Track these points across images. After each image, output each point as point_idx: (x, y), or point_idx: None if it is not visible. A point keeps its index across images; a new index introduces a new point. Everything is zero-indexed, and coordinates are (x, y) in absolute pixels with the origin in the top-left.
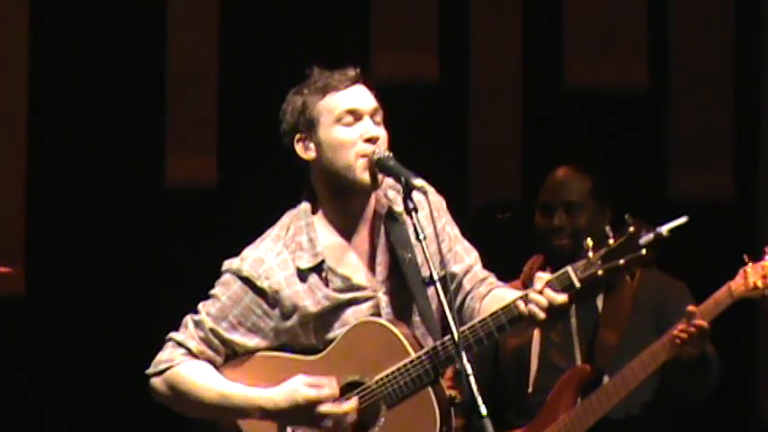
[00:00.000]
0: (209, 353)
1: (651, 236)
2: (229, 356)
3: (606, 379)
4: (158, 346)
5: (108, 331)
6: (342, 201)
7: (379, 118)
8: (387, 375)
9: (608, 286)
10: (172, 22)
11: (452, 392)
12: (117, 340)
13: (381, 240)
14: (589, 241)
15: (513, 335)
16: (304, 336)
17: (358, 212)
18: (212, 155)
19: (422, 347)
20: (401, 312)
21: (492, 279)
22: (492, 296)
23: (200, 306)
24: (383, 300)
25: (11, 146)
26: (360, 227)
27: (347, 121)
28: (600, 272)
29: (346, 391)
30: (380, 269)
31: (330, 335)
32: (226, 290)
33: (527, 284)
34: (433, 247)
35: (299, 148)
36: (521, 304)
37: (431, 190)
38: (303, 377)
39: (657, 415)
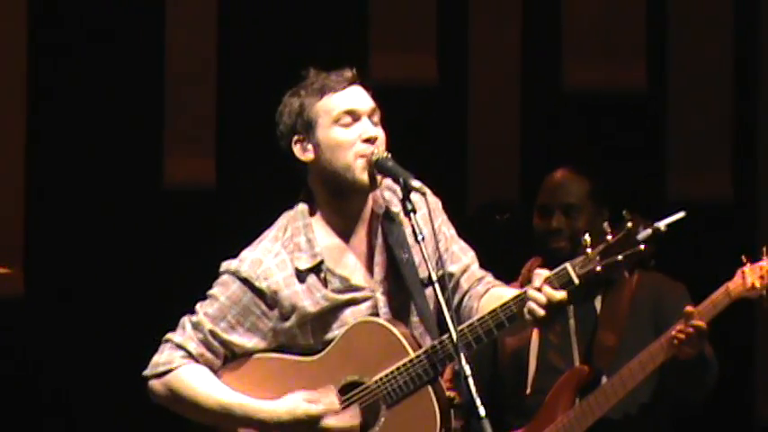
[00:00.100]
0: (209, 355)
1: (649, 231)
2: (228, 358)
3: (604, 380)
4: (157, 347)
5: (107, 332)
6: (340, 201)
7: (376, 118)
8: (386, 375)
9: (606, 287)
10: (170, 23)
11: (451, 394)
12: (116, 341)
13: (379, 241)
14: (587, 238)
15: (511, 335)
16: (302, 336)
17: (356, 213)
18: (211, 155)
19: (420, 347)
20: (399, 312)
21: (489, 278)
22: (490, 295)
23: (198, 307)
24: (381, 300)
25: (9, 146)
26: (357, 227)
27: (345, 121)
28: (598, 268)
29: (346, 390)
30: (378, 269)
31: (329, 335)
32: (224, 290)
33: (525, 286)
34: (431, 248)
35: (296, 149)
36: (519, 302)
37: (428, 191)
38: (303, 392)
39: (656, 415)
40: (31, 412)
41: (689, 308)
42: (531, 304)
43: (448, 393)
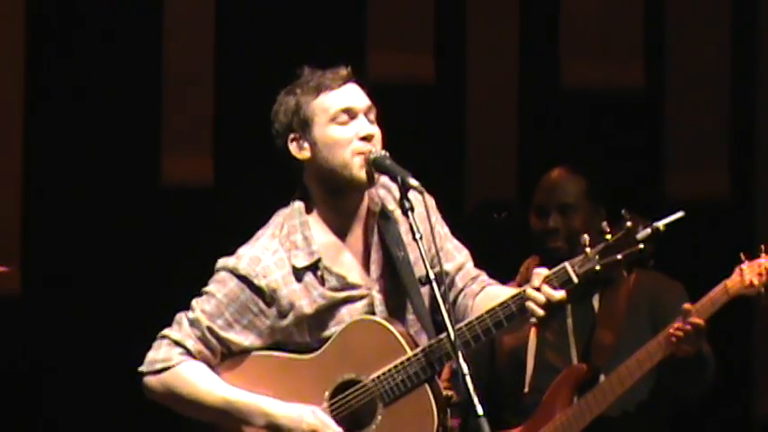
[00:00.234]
0: (206, 352)
1: (648, 231)
2: (224, 355)
3: (602, 378)
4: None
5: (104, 330)
6: (336, 199)
7: (372, 116)
8: (383, 373)
9: (604, 286)
10: (168, 22)
11: (449, 392)
12: (113, 339)
13: (375, 239)
14: (586, 237)
15: (509, 334)
16: (298, 334)
17: (352, 211)
18: (209, 154)
19: (417, 345)
20: (395, 310)
21: (484, 277)
22: (485, 294)
23: (194, 303)
24: (377, 298)
25: (7, 144)
26: (354, 225)
27: (342, 119)
28: (597, 267)
29: (342, 389)
30: (374, 267)
31: (325, 333)
32: (222, 287)
33: (523, 285)
34: (429, 246)
35: (292, 147)
36: (518, 301)
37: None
38: (317, 409)
39: (654, 413)
40: (29, 410)
41: (687, 305)
42: (531, 304)
43: (445, 392)
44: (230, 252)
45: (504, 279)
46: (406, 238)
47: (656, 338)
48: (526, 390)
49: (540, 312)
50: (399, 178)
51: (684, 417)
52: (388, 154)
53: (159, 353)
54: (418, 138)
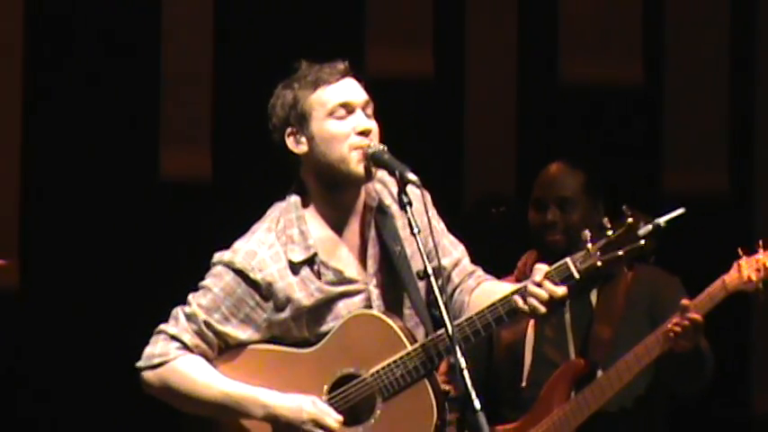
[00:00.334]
0: (204, 346)
1: (650, 227)
2: (221, 349)
3: (600, 373)
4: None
5: (103, 324)
6: (333, 194)
7: (370, 110)
8: (382, 368)
9: (603, 281)
10: (167, 19)
11: (447, 387)
12: (112, 333)
13: (372, 233)
14: (587, 233)
15: (506, 329)
16: (296, 329)
17: (349, 206)
18: (207, 150)
19: (415, 340)
20: (392, 305)
21: (480, 272)
22: (481, 289)
23: (191, 298)
24: (374, 293)
25: (6, 140)
26: (350, 220)
27: (340, 114)
28: (599, 263)
29: (341, 383)
30: (371, 262)
31: (323, 328)
32: (218, 281)
33: (521, 280)
34: (427, 241)
35: (290, 142)
36: (519, 298)
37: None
38: (317, 398)
39: (651, 408)
40: (27, 403)
41: (685, 301)
42: (533, 300)
43: (443, 386)
44: (227, 246)
45: (501, 274)
46: (403, 232)
47: (654, 334)
48: (524, 384)
49: (543, 309)
50: (398, 173)
51: (682, 412)
52: (386, 148)
53: (156, 348)
54: (417, 133)
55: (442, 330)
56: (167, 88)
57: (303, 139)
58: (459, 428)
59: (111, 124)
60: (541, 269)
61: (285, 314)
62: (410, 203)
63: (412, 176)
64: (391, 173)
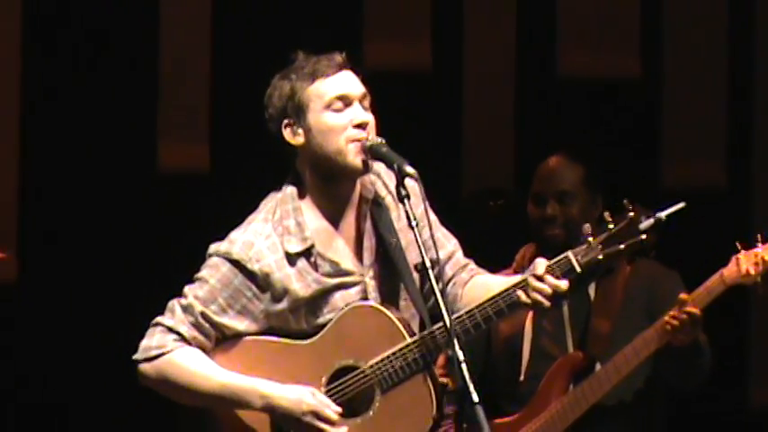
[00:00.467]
0: (201, 338)
1: (651, 221)
2: (219, 340)
3: (598, 366)
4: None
5: (101, 317)
6: (329, 186)
7: (367, 103)
8: (382, 359)
9: (602, 275)
10: (165, 8)
11: (445, 380)
12: (110, 326)
13: (367, 225)
14: (588, 226)
15: (505, 322)
16: (294, 320)
17: (345, 197)
18: (205, 141)
19: (413, 332)
20: (388, 296)
21: (472, 265)
22: (474, 282)
23: (187, 290)
24: (370, 284)
25: (3, 132)
26: (346, 212)
27: (337, 106)
28: (600, 256)
29: (340, 375)
30: (367, 254)
31: (320, 320)
32: (214, 272)
33: (519, 273)
34: (426, 233)
35: (286, 133)
36: (522, 291)
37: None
38: (316, 390)
39: (650, 402)
40: (25, 396)
41: (683, 294)
42: (536, 295)
43: (441, 379)
44: (223, 237)
45: (499, 267)
46: (398, 224)
47: (652, 327)
48: (522, 378)
49: (547, 303)
50: (396, 166)
51: (680, 406)
52: (384, 141)
53: (153, 340)
54: (415, 127)
55: (442, 323)
56: (165, 81)
57: (300, 131)
58: (458, 421)
59: (109, 117)
60: (542, 262)
61: (282, 305)
62: (408, 196)
63: (410, 170)
64: (389, 166)
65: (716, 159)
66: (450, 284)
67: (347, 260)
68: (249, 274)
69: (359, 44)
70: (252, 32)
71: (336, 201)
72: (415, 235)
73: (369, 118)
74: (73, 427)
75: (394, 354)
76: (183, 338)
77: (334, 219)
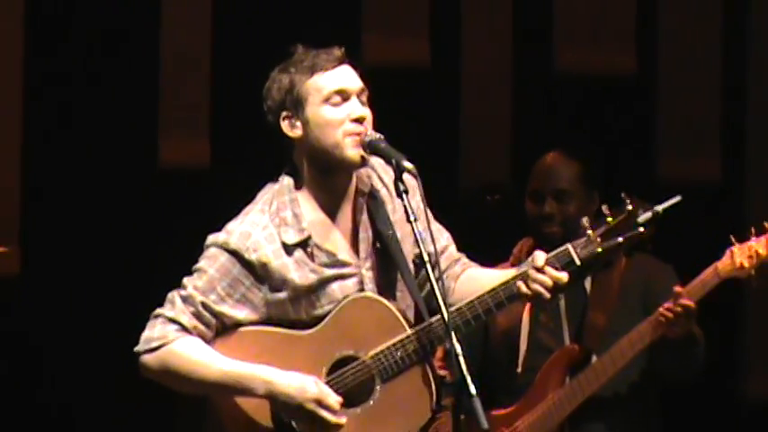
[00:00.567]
0: (202, 327)
1: (649, 214)
2: (219, 330)
3: (594, 359)
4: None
5: (103, 310)
6: (326, 178)
7: (364, 98)
8: (382, 350)
9: (599, 268)
10: (166, 4)
11: (442, 372)
12: (112, 319)
13: (363, 218)
14: (586, 219)
15: (502, 315)
16: (293, 311)
17: (341, 190)
18: (206, 136)
19: (411, 323)
20: (384, 288)
21: (465, 259)
22: (467, 275)
23: (186, 281)
24: (367, 276)
25: (6, 125)
26: (343, 204)
27: (335, 101)
28: (599, 249)
29: (340, 365)
30: (363, 246)
31: (318, 311)
32: (213, 263)
33: (517, 266)
34: (423, 227)
35: (284, 125)
36: (522, 283)
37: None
38: (317, 379)
39: (645, 394)
40: (28, 389)
41: (678, 287)
42: (538, 287)
43: (439, 371)
44: (221, 229)
45: (496, 261)
46: (393, 216)
47: (647, 320)
48: (519, 370)
49: (548, 295)
50: (394, 161)
51: (675, 398)
52: (383, 136)
53: (154, 331)
54: (413, 121)
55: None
56: (166, 76)
57: (298, 124)
58: (455, 413)
59: (110, 112)
60: (542, 254)
61: (282, 294)
62: (406, 191)
63: (408, 165)
64: (388, 161)
65: (711, 155)
66: (444, 277)
67: (344, 252)
68: (247, 264)
69: (357, 39)
70: (252, 30)
71: (333, 193)
72: (414, 229)
73: (366, 112)
74: (76, 421)
75: (394, 344)
76: (184, 328)
77: (331, 211)
